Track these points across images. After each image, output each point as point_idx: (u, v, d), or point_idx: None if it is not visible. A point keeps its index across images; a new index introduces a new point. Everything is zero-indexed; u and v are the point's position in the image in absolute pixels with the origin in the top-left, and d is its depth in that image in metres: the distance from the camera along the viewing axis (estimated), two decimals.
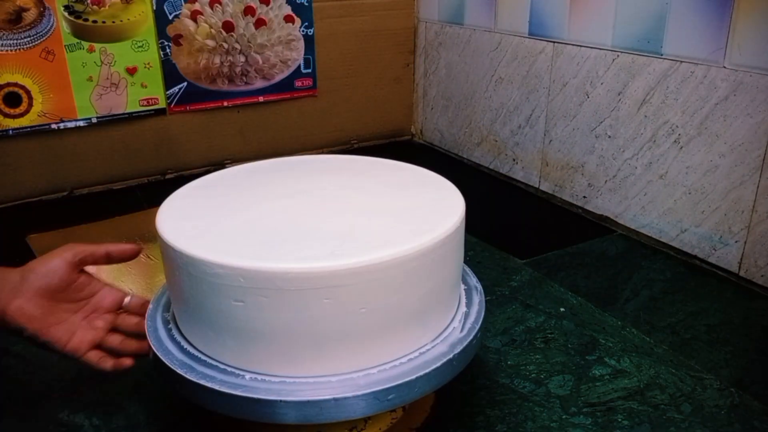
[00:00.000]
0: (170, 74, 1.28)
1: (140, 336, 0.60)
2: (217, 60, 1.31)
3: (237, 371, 0.53)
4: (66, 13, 1.15)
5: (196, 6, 1.25)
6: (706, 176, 0.92)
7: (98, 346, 0.60)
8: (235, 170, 0.70)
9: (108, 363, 0.60)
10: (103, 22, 1.19)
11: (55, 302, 0.58)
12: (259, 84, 1.37)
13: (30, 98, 1.16)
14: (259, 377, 0.52)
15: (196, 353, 0.55)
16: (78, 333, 0.59)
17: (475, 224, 0.68)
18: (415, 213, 0.58)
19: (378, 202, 0.61)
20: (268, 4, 1.31)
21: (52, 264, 0.58)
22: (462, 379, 0.66)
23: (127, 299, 0.63)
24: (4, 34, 1.11)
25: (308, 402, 0.50)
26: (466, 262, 0.65)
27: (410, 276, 0.52)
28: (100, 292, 0.62)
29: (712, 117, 0.90)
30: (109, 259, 0.62)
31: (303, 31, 1.37)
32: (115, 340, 0.61)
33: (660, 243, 1.01)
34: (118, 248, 0.62)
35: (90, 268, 0.63)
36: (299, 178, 0.67)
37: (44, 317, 0.57)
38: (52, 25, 1.15)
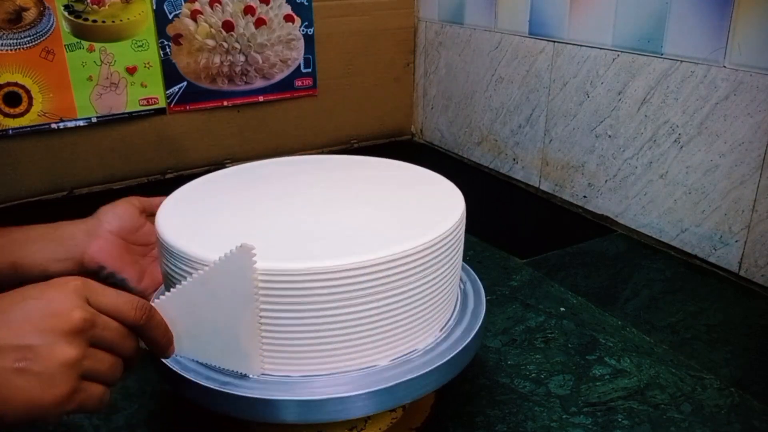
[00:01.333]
0: (170, 74, 1.27)
1: None
2: (216, 59, 1.31)
3: (237, 370, 0.53)
4: (66, 13, 1.15)
5: (196, 5, 1.25)
6: (707, 176, 0.92)
7: None
8: (234, 170, 0.70)
9: None
10: (103, 22, 1.19)
11: (128, 244, 0.64)
12: (259, 83, 1.37)
13: (30, 98, 1.16)
14: (259, 376, 0.52)
15: None
16: (147, 274, 0.64)
17: (475, 224, 0.68)
18: (415, 212, 0.58)
19: (378, 202, 0.61)
20: (267, 4, 1.31)
21: (121, 208, 0.64)
22: (462, 379, 0.66)
23: None
24: (4, 33, 1.11)
25: (308, 401, 0.50)
26: (466, 261, 0.65)
27: (410, 275, 0.52)
28: None
29: (713, 117, 0.90)
30: None
31: (303, 30, 1.37)
32: None
33: (660, 243, 1.01)
34: None
35: None
36: (299, 177, 0.67)
37: (121, 256, 0.62)
38: (52, 24, 1.15)
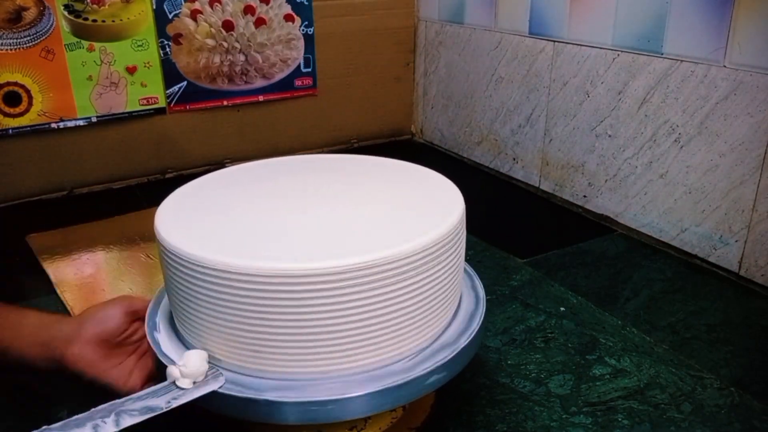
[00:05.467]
0: (170, 73, 1.27)
1: None
2: (216, 59, 1.30)
3: (237, 371, 0.53)
4: (66, 12, 1.15)
5: (196, 5, 1.25)
6: (707, 175, 0.92)
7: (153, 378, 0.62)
8: (234, 169, 0.70)
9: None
10: (103, 21, 1.19)
11: (111, 347, 0.61)
12: (259, 83, 1.37)
13: (30, 97, 1.16)
14: (259, 377, 0.52)
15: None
16: (135, 372, 0.61)
17: (475, 224, 0.68)
18: (415, 212, 0.58)
19: (378, 202, 0.61)
20: (267, 3, 1.31)
21: (108, 312, 0.61)
22: (462, 379, 0.66)
23: None
24: (4, 33, 1.11)
25: (308, 402, 0.50)
26: (466, 261, 0.64)
27: (410, 275, 0.52)
28: None
29: (713, 116, 0.90)
30: None
31: (303, 30, 1.37)
32: None
33: (660, 242, 1.01)
34: None
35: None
36: (299, 177, 0.67)
37: (101, 361, 0.59)
38: (52, 24, 1.14)
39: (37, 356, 0.59)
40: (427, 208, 0.59)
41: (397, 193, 0.63)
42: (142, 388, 0.60)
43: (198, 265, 0.50)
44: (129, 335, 0.62)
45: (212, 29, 1.28)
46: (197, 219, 0.57)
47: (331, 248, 0.51)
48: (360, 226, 0.56)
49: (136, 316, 0.63)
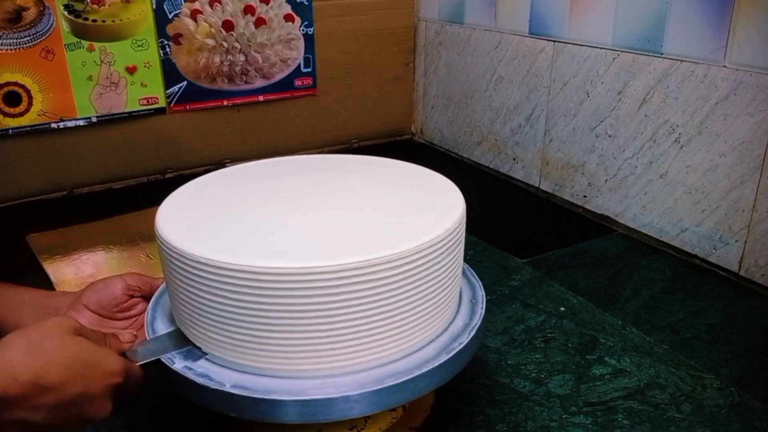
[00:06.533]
0: (170, 73, 1.27)
1: None
2: (216, 59, 1.30)
3: (236, 370, 0.53)
4: (66, 12, 1.15)
5: (196, 5, 1.25)
6: (707, 175, 0.92)
7: None
8: (234, 169, 0.70)
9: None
10: (103, 21, 1.19)
11: (106, 316, 0.63)
12: (259, 83, 1.37)
13: (30, 97, 1.16)
14: (259, 376, 0.52)
15: (195, 352, 0.55)
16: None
17: (475, 224, 0.68)
18: (415, 212, 0.58)
19: (378, 202, 0.61)
20: (267, 3, 1.31)
21: (108, 283, 0.64)
22: (462, 379, 0.67)
23: None
24: (3, 33, 1.11)
25: (308, 402, 0.50)
26: (466, 261, 0.64)
27: (410, 275, 0.52)
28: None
29: (713, 116, 0.90)
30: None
31: (303, 30, 1.37)
32: None
33: (660, 242, 1.01)
34: None
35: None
36: (299, 177, 0.67)
37: (94, 327, 0.60)
38: (52, 24, 1.14)
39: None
40: (428, 208, 0.59)
41: (397, 193, 0.63)
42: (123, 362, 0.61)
43: (199, 264, 0.50)
44: (125, 308, 0.64)
45: (212, 29, 1.28)
46: (198, 218, 0.57)
47: (331, 247, 0.51)
48: (359, 225, 0.56)
49: (137, 293, 0.65)
